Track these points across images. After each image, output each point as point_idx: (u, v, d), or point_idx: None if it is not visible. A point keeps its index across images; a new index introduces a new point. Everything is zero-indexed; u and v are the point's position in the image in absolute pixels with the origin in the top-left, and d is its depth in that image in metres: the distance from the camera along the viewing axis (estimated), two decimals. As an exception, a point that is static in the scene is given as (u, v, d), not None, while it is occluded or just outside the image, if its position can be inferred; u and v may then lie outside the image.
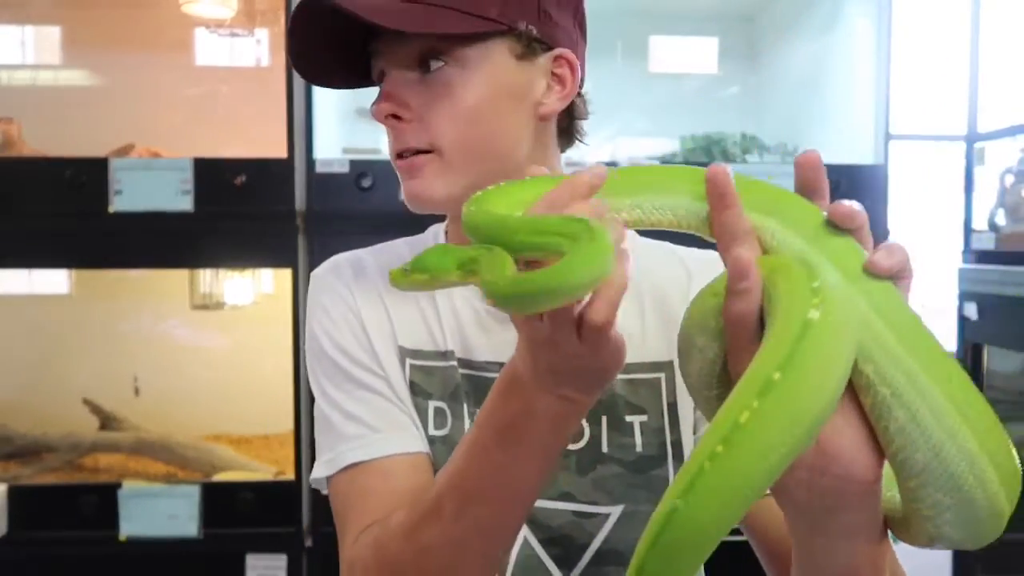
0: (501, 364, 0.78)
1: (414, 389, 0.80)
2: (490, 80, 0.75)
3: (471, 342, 0.81)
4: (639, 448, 0.79)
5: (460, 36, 0.73)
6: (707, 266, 0.83)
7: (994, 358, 2.31)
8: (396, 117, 0.74)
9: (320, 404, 0.81)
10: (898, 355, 0.46)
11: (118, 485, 1.77)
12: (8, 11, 2.21)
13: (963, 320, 2.26)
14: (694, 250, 0.85)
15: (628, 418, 0.79)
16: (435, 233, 0.90)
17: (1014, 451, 0.47)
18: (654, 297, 0.83)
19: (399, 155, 0.77)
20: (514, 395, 0.59)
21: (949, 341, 2.37)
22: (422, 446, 0.78)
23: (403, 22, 0.70)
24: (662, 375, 0.81)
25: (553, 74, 0.77)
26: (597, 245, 0.47)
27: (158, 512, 1.75)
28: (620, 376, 0.79)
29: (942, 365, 0.46)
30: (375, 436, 0.77)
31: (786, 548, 0.59)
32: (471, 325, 0.81)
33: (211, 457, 1.96)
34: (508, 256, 0.50)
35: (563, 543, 0.79)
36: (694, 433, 0.82)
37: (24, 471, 1.92)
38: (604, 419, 0.79)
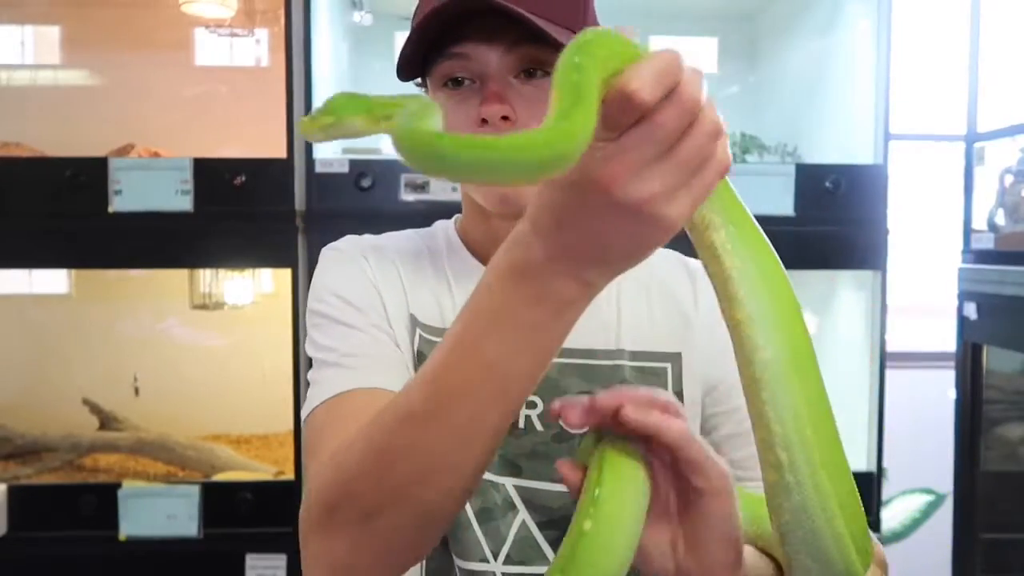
0: None
1: (421, 359, 0.81)
2: None
3: None
4: None
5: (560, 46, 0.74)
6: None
7: (994, 358, 2.31)
8: (506, 119, 0.75)
9: (316, 357, 0.80)
10: (810, 448, 0.54)
11: (118, 485, 1.76)
12: (8, 11, 2.21)
13: (963, 320, 2.26)
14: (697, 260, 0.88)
15: None
16: (444, 227, 0.92)
17: (870, 533, 0.59)
18: (661, 292, 0.87)
19: None
20: (519, 281, 0.52)
21: (949, 341, 2.37)
22: None
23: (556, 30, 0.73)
24: (669, 365, 0.84)
25: None
26: (582, 113, 0.42)
27: (158, 512, 1.75)
28: (630, 363, 0.83)
29: (837, 455, 0.56)
30: (365, 368, 0.76)
31: None
32: None
33: (211, 457, 1.96)
34: (439, 109, 0.45)
35: (561, 525, 0.79)
36: (704, 425, 0.85)
37: (24, 471, 1.92)
38: None
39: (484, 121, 0.75)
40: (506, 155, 0.40)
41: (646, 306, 0.86)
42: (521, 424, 0.82)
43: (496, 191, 0.79)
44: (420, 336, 0.82)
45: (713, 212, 0.56)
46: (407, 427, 0.56)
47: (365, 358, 0.77)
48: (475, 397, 0.54)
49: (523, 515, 0.80)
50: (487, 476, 0.81)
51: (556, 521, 0.80)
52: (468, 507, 0.81)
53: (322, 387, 0.76)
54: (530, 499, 0.80)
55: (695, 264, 0.89)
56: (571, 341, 0.81)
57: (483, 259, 0.87)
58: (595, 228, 0.48)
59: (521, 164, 0.41)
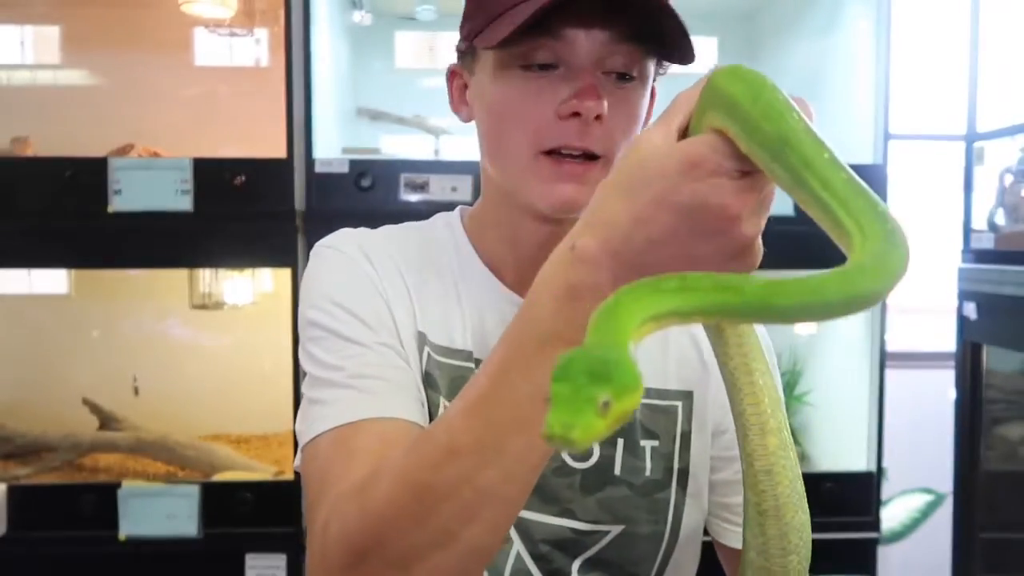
0: None
1: (429, 380, 0.76)
2: (648, 96, 0.75)
3: (492, 343, 0.79)
4: (648, 472, 0.79)
5: (655, 49, 0.72)
6: None
7: (993, 358, 2.31)
8: (598, 118, 0.69)
9: (317, 375, 0.71)
10: (796, 478, 0.62)
11: (117, 485, 1.76)
12: (7, 11, 2.21)
13: (962, 320, 2.26)
14: None
15: (642, 442, 0.79)
16: (447, 222, 0.85)
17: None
18: (679, 330, 0.82)
19: (557, 152, 0.70)
20: (578, 304, 0.49)
21: (949, 341, 2.37)
22: (426, 421, 0.72)
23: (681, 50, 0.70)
24: (679, 403, 0.81)
25: None
26: (896, 253, 0.45)
27: (157, 512, 1.75)
28: (643, 400, 0.79)
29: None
30: (380, 394, 0.68)
31: None
32: (495, 329, 0.78)
33: (210, 457, 1.96)
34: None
35: (552, 558, 0.78)
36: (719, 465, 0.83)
37: (23, 471, 1.92)
38: (620, 441, 0.78)
39: (575, 114, 0.68)
40: (835, 297, 0.43)
41: (662, 346, 0.82)
42: None
43: (565, 191, 0.70)
44: (428, 355, 0.76)
45: None
46: (453, 463, 0.53)
47: (379, 381, 0.69)
48: (528, 428, 0.51)
49: (518, 546, 0.78)
50: None
51: (545, 555, 0.77)
52: None
53: (327, 411, 0.68)
54: (526, 530, 0.78)
55: None
56: None
57: (496, 269, 0.81)
58: (696, 256, 0.48)
59: (848, 303, 0.43)
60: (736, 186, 0.47)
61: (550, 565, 0.78)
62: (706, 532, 0.86)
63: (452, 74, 0.81)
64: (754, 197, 0.48)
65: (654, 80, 0.76)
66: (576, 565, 0.78)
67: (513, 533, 0.78)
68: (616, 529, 0.78)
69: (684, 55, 0.70)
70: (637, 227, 0.48)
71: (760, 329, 0.72)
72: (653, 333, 0.44)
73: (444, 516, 0.53)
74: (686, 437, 0.81)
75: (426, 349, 0.76)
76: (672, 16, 0.66)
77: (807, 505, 0.63)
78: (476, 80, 0.76)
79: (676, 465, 0.80)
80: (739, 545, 0.82)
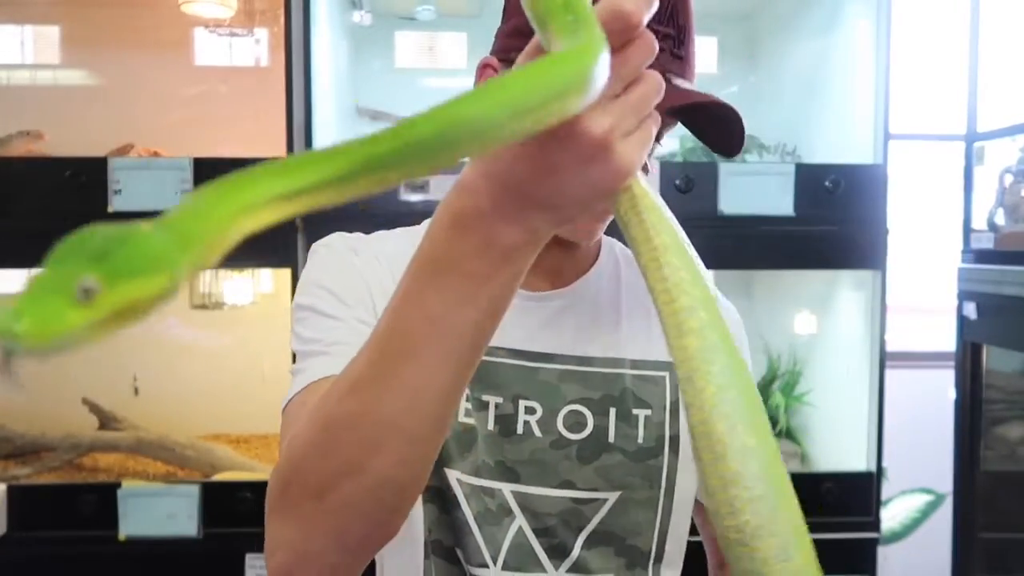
0: (508, 350, 0.83)
1: None
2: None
3: None
4: (640, 440, 0.83)
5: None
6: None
7: (993, 358, 2.31)
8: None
9: (299, 350, 0.78)
10: (733, 392, 0.50)
11: (117, 485, 1.76)
12: (7, 11, 2.21)
13: (962, 320, 2.26)
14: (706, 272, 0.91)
15: (635, 411, 0.83)
16: None
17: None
18: None
19: None
20: (464, 231, 0.49)
21: (948, 341, 2.37)
22: None
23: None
24: (667, 374, 0.86)
25: None
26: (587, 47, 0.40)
27: (157, 512, 1.74)
28: (631, 371, 0.84)
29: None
30: (344, 356, 0.68)
31: None
32: None
33: (210, 457, 1.96)
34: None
35: (559, 531, 0.80)
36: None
37: (23, 471, 1.92)
38: (612, 411, 0.83)
39: None
40: (533, 87, 0.37)
41: (646, 316, 0.88)
42: (519, 430, 0.82)
43: (588, 227, 0.80)
44: None
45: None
46: (354, 394, 0.54)
47: (351, 347, 0.71)
48: (421, 356, 0.51)
49: (520, 521, 0.81)
50: (483, 482, 0.81)
51: (552, 528, 0.80)
52: (468, 511, 0.81)
53: (300, 378, 0.74)
54: (527, 505, 0.81)
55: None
56: (572, 348, 0.84)
57: None
58: (552, 165, 0.46)
59: (549, 94, 0.38)
60: None
61: (553, 540, 0.80)
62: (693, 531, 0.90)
63: (485, 67, 0.83)
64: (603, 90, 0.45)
65: None
66: (580, 542, 0.81)
67: (515, 507, 0.81)
68: (613, 496, 0.81)
69: (733, 151, 0.79)
70: (500, 152, 0.48)
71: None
72: (281, 217, 0.38)
73: (349, 447, 0.54)
74: (675, 406, 0.85)
75: None
76: (738, 123, 0.76)
77: (778, 457, 0.51)
78: None
79: (667, 432, 0.84)
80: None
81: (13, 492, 1.79)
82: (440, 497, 0.81)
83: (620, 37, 0.45)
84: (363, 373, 0.54)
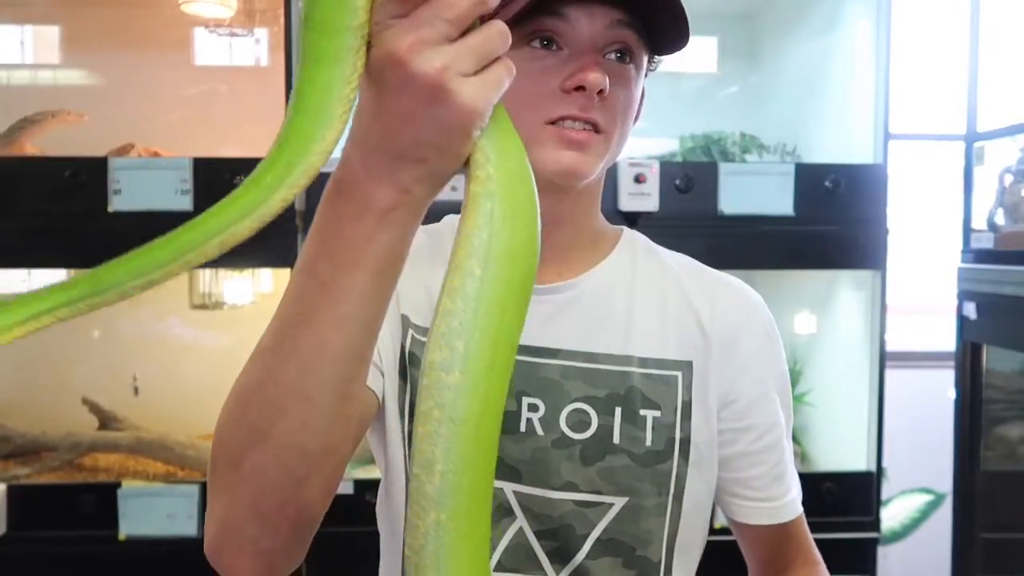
0: None
1: (412, 360, 0.80)
2: (641, 84, 0.80)
3: None
4: (648, 442, 0.80)
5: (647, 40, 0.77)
6: (732, 294, 0.87)
7: (993, 358, 2.31)
8: (601, 92, 0.73)
9: None
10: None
11: (117, 484, 1.77)
12: (7, 11, 2.21)
13: (962, 319, 2.26)
14: (723, 274, 0.89)
15: (642, 412, 0.80)
16: (452, 224, 0.88)
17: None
18: (677, 299, 0.85)
19: (561, 121, 0.74)
20: (342, 197, 0.53)
21: (948, 340, 2.37)
22: (373, 382, 0.77)
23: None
24: (679, 373, 0.82)
25: None
26: None
27: (157, 511, 1.75)
28: (639, 370, 0.81)
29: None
30: None
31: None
32: None
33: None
34: None
35: (562, 535, 0.78)
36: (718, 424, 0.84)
37: (23, 470, 1.92)
38: (618, 410, 0.80)
39: (579, 88, 0.72)
40: None
41: (660, 312, 0.84)
42: (522, 427, 0.80)
43: (568, 158, 0.74)
44: (412, 336, 0.80)
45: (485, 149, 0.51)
46: (259, 363, 0.57)
47: None
48: (314, 322, 0.54)
49: (521, 522, 0.79)
50: None
51: (555, 531, 0.78)
52: None
53: None
54: (529, 506, 0.79)
55: (716, 274, 0.88)
56: (577, 343, 0.81)
57: None
58: (398, 111, 0.48)
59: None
60: (398, 25, 0.46)
61: (555, 543, 0.79)
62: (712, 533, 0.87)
63: None
64: (424, 31, 0.46)
65: (645, 74, 0.81)
66: (586, 548, 0.78)
67: (516, 508, 0.79)
68: (620, 501, 0.79)
69: (676, 41, 0.77)
70: (358, 112, 0.50)
71: None
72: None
73: (254, 413, 0.56)
74: (687, 407, 0.81)
75: (409, 331, 0.81)
76: (669, 9, 0.73)
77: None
78: None
79: (678, 435, 0.81)
80: (756, 520, 0.85)
81: (13, 492, 1.79)
82: None
83: None
84: (267, 341, 0.57)
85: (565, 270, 0.84)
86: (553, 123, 0.74)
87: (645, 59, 0.79)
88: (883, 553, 1.93)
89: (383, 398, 0.80)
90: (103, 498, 1.76)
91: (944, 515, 2.69)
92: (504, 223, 0.49)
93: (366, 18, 0.46)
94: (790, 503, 0.86)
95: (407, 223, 0.52)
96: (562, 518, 0.78)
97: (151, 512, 1.74)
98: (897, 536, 2.96)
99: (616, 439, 0.79)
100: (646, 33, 0.76)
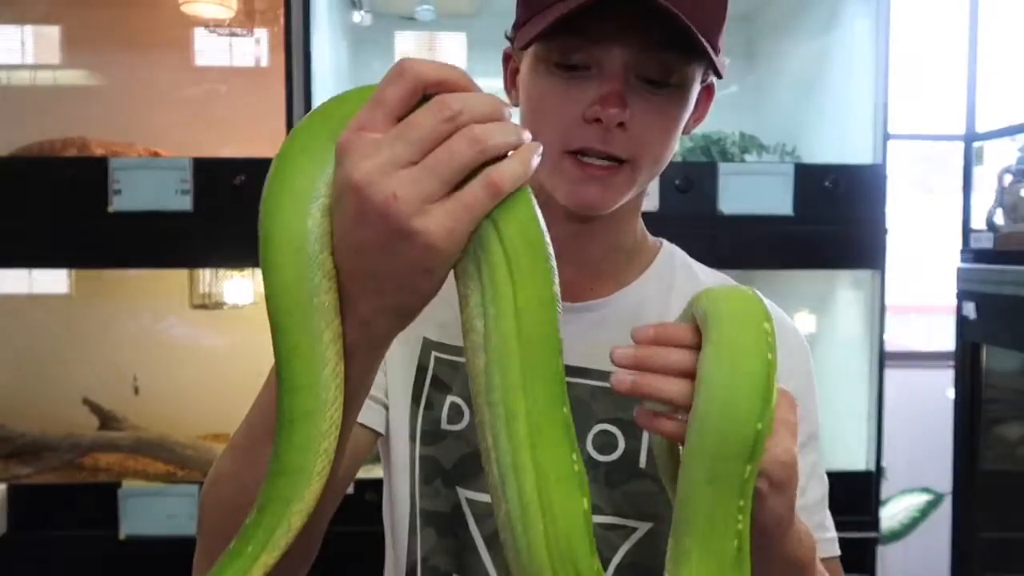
0: None
1: (435, 382, 0.78)
2: (689, 103, 0.74)
3: None
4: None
5: (697, 58, 0.71)
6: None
7: (992, 357, 2.31)
8: (621, 126, 0.69)
9: None
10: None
11: (118, 484, 1.77)
12: (7, 10, 2.21)
13: (962, 320, 2.26)
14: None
15: None
16: None
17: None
18: None
19: (580, 153, 0.71)
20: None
21: (948, 340, 2.37)
22: (366, 419, 0.77)
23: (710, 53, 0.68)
24: None
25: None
26: None
27: (158, 511, 1.75)
28: None
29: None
30: None
31: None
32: None
33: (210, 456, 1.96)
34: None
35: None
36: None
37: (23, 470, 1.92)
38: (646, 434, 0.77)
39: (597, 120, 0.69)
40: None
41: None
42: None
43: (588, 193, 0.71)
44: (435, 358, 0.79)
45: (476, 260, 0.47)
46: (229, 457, 0.64)
47: None
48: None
49: None
50: None
51: None
52: (476, 530, 0.78)
53: None
54: None
55: None
56: (606, 363, 0.75)
57: None
58: (354, 242, 0.44)
59: None
60: (367, 147, 0.43)
61: None
62: None
63: (506, 57, 0.82)
64: (383, 154, 0.42)
65: (704, 83, 0.76)
66: (609, 572, 0.77)
67: None
68: (644, 527, 0.77)
69: (713, 70, 0.71)
70: (334, 232, 0.46)
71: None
72: None
73: (227, 496, 0.62)
74: None
75: (433, 352, 0.79)
76: (696, 37, 0.66)
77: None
78: (522, 67, 0.76)
79: None
80: None
81: (13, 492, 1.80)
82: (442, 520, 0.79)
83: (403, 103, 0.43)
84: (238, 441, 0.63)
85: (598, 286, 0.81)
86: (573, 153, 0.71)
87: (696, 72, 0.73)
88: (882, 553, 1.94)
89: (387, 428, 0.80)
90: (103, 498, 1.76)
91: (943, 515, 2.69)
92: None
93: (341, 380, 0.47)
94: (822, 540, 0.78)
95: (367, 357, 0.50)
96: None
97: (151, 512, 1.75)
98: (896, 536, 2.96)
99: (642, 463, 0.77)
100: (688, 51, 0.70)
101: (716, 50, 0.71)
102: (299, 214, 0.45)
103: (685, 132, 0.78)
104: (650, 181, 0.77)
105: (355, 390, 0.50)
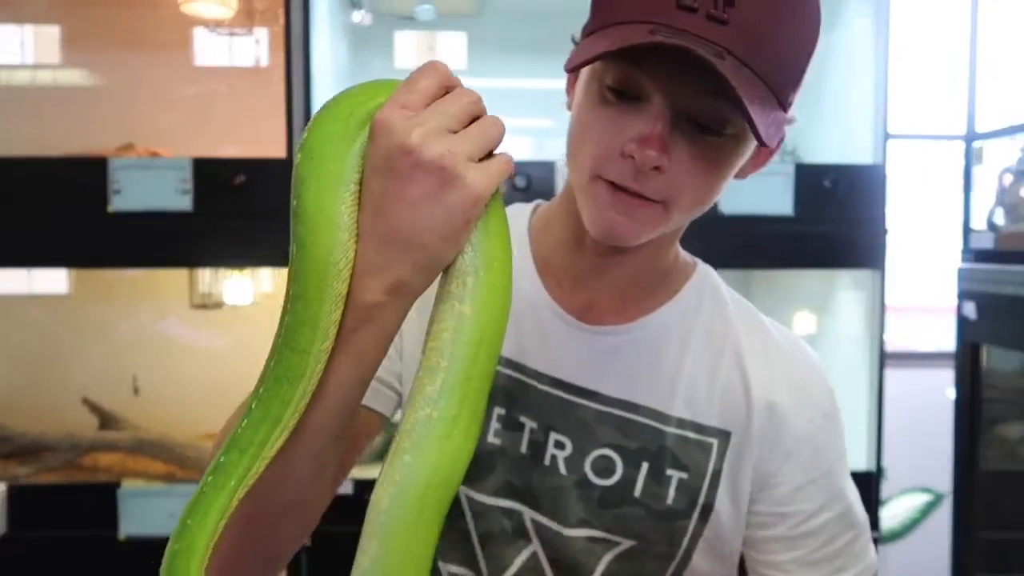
0: (553, 379, 0.78)
1: None
2: (744, 152, 0.70)
3: (527, 348, 0.79)
4: (670, 501, 0.77)
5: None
6: (787, 364, 0.80)
7: (993, 357, 2.31)
8: (657, 169, 0.65)
9: None
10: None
11: (117, 484, 1.77)
12: (7, 10, 2.21)
13: (962, 319, 2.26)
14: (781, 333, 0.83)
15: (668, 471, 0.77)
16: (519, 214, 0.85)
17: None
18: (732, 362, 0.79)
19: (612, 184, 0.67)
20: (361, 279, 0.54)
21: (948, 340, 2.37)
22: (375, 403, 0.78)
23: (761, 120, 0.61)
24: (716, 441, 0.78)
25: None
26: None
27: (157, 511, 1.75)
28: (676, 430, 0.77)
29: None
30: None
31: None
32: (532, 334, 0.79)
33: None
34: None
35: (576, 571, 0.77)
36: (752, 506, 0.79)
37: (23, 470, 1.92)
38: (645, 465, 0.77)
39: (632, 156, 0.65)
40: None
41: (710, 373, 0.78)
42: (546, 461, 0.78)
43: (612, 220, 0.68)
44: None
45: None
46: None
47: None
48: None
49: (535, 547, 0.78)
50: (502, 502, 0.78)
51: (572, 567, 0.77)
52: (472, 526, 0.79)
53: None
54: (546, 537, 0.78)
55: (775, 335, 0.82)
56: (617, 390, 0.78)
57: (545, 272, 0.81)
58: (406, 197, 0.50)
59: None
60: (412, 119, 0.50)
61: (567, 572, 0.78)
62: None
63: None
64: (432, 123, 0.50)
65: (778, 131, 0.70)
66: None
67: (532, 534, 0.78)
68: (627, 543, 0.77)
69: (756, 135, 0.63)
70: (367, 203, 0.52)
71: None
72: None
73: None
74: (716, 476, 0.77)
75: None
76: (739, 99, 0.60)
77: None
78: (580, 77, 0.73)
79: (702, 500, 0.77)
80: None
81: (13, 492, 1.80)
82: None
83: (436, 90, 0.51)
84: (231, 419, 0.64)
85: (623, 309, 0.79)
86: (604, 179, 0.68)
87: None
88: (883, 553, 1.93)
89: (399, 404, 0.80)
90: (103, 498, 1.76)
91: (943, 515, 2.69)
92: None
93: (327, 355, 0.52)
94: None
95: (394, 319, 0.54)
96: (576, 554, 0.77)
97: (151, 512, 1.75)
98: (897, 536, 2.96)
99: (637, 492, 0.77)
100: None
101: (785, 105, 0.67)
102: (333, 198, 0.51)
103: (740, 176, 0.75)
104: (689, 220, 0.75)
105: (369, 348, 0.54)
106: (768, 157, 0.76)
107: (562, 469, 0.77)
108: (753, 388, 0.78)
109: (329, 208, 0.51)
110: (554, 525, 0.77)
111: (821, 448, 0.78)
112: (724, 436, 0.78)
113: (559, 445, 0.78)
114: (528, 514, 0.78)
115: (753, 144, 0.70)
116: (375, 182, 0.51)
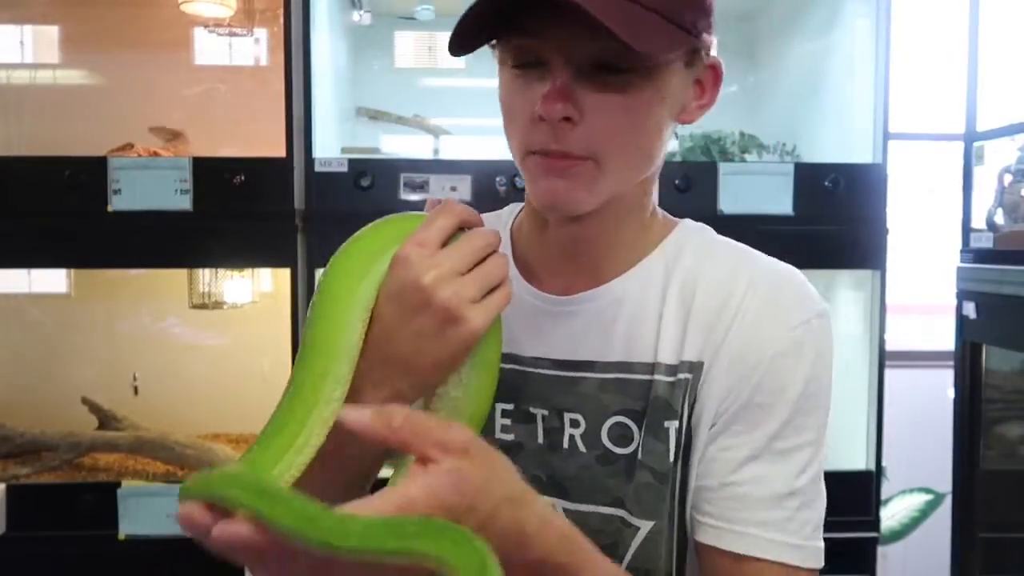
0: (550, 360, 0.79)
1: None
2: (665, 90, 0.69)
3: (518, 337, 0.79)
4: (671, 457, 0.74)
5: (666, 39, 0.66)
6: (767, 286, 0.78)
7: (992, 357, 2.31)
8: (568, 120, 0.66)
9: None
10: None
11: (117, 484, 1.76)
12: (7, 10, 2.21)
13: (962, 319, 2.26)
14: (770, 264, 0.82)
15: (666, 423, 0.74)
16: (511, 213, 0.86)
17: None
18: (708, 293, 0.76)
19: (541, 152, 0.68)
20: (364, 392, 0.63)
21: (948, 340, 2.37)
22: None
23: (633, 34, 0.61)
24: (690, 376, 0.75)
25: (696, 80, 0.73)
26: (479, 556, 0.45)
27: (157, 511, 1.75)
28: (665, 378, 0.75)
29: None
30: None
31: None
32: (520, 320, 0.79)
33: (210, 456, 1.96)
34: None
35: (609, 551, 0.74)
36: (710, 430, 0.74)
37: (23, 470, 1.92)
38: (645, 423, 0.75)
39: (542, 118, 0.66)
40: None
41: (681, 323, 0.76)
42: (565, 444, 0.77)
43: (550, 187, 0.69)
44: None
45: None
46: None
47: None
48: None
49: None
50: None
51: (605, 547, 0.73)
52: None
53: None
54: (580, 523, 0.73)
55: (763, 263, 0.81)
56: (613, 354, 0.77)
57: (525, 266, 0.81)
58: (415, 328, 0.61)
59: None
60: (428, 259, 0.61)
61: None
62: None
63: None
64: (447, 265, 0.60)
65: (690, 64, 0.70)
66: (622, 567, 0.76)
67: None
68: (647, 525, 0.75)
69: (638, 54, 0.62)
70: (376, 324, 0.62)
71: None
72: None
73: None
74: (692, 406, 0.75)
75: None
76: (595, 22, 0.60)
77: None
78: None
79: (683, 439, 0.75)
80: (705, 540, 0.73)
81: (13, 492, 1.79)
82: None
83: (450, 231, 0.63)
84: None
85: (599, 278, 0.79)
86: (534, 152, 0.69)
87: (672, 53, 0.67)
88: (882, 553, 1.94)
89: None
90: (103, 498, 1.76)
91: (943, 515, 2.69)
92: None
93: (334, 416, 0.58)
94: (759, 538, 0.70)
95: None
96: (612, 535, 0.75)
97: (151, 512, 1.74)
98: (897, 536, 2.96)
99: (640, 455, 0.75)
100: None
101: (694, 31, 0.67)
102: (354, 282, 0.63)
103: (688, 119, 0.74)
104: (637, 174, 0.73)
105: (376, 456, 0.68)
106: (713, 95, 0.75)
107: (581, 447, 0.77)
108: (726, 318, 0.75)
109: (349, 285, 0.63)
110: (587, 507, 0.76)
111: (784, 374, 0.73)
112: (699, 368, 0.75)
113: (574, 424, 0.77)
114: (560, 504, 0.77)
115: (678, 78, 0.70)
116: (387, 308, 0.61)
